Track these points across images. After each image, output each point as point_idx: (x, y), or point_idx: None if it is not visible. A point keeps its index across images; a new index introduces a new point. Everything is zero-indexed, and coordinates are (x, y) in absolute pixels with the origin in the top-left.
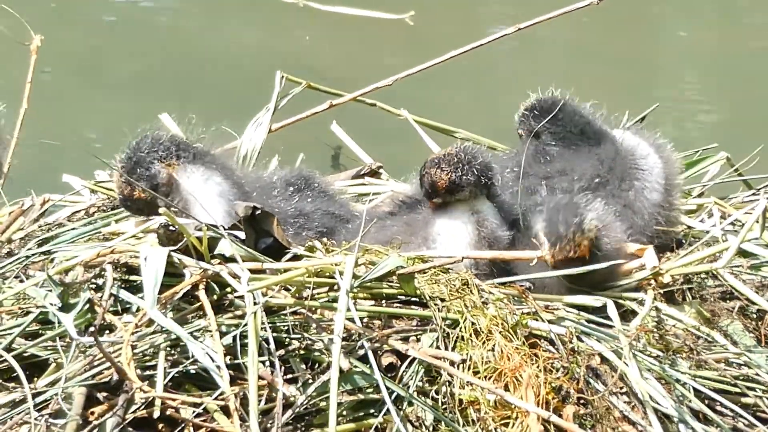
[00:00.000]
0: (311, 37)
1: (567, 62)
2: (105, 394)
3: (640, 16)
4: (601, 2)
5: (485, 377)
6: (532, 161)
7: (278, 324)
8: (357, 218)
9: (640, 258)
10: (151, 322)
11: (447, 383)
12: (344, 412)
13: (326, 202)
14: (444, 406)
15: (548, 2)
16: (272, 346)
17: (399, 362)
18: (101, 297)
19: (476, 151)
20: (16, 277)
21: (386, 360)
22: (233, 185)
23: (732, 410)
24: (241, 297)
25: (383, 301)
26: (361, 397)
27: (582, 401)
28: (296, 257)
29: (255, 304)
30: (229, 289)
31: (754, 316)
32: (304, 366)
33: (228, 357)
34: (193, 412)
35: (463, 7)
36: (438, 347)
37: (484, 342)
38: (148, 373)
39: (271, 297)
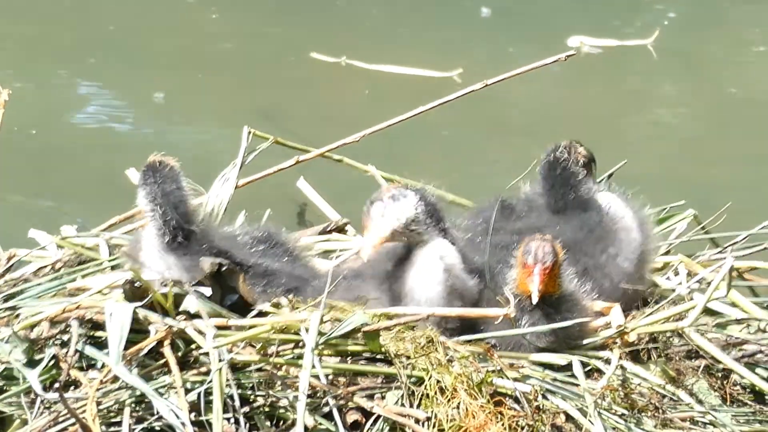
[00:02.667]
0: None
1: (535, 118)
2: None
3: (606, 74)
4: (568, 59)
5: None
6: (500, 217)
7: (243, 381)
8: (321, 277)
9: (606, 316)
10: (116, 378)
11: None
12: None
13: (292, 261)
14: None
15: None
16: (237, 403)
17: (364, 420)
18: (66, 353)
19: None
20: None
21: (351, 417)
22: None
23: None
24: (207, 354)
25: (348, 359)
26: None
27: None
28: (262, 314)
29: (220, 360)
30: (194, 346)
31: (720, 375)
32: (269, 423)
33: (193, 414)
34: None
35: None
36: (403, 405)
37: (449, 400)
38: (113, 429)
39: (236, 354)
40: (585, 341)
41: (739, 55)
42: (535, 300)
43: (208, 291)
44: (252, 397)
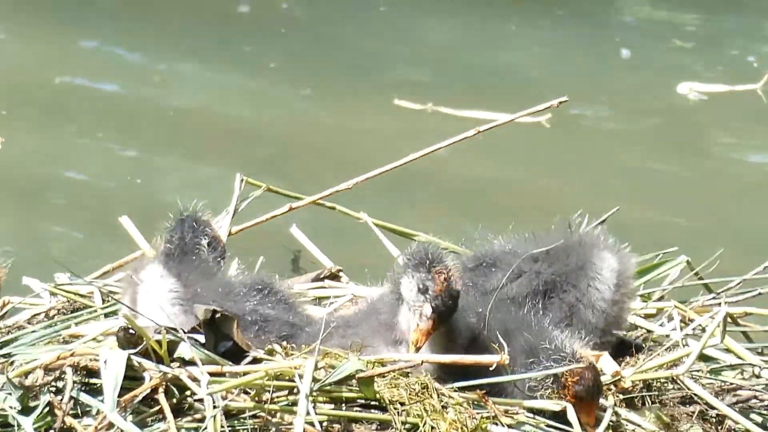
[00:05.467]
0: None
1: (527, 166)
2: None
3: (596, 124)
4: (560, 105)
5: None
6: (480, 272)
7: (238, 427)
8: (315, 324)
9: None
10: (111, 425)
11: None
12: None
13: (285, 308)
14: None
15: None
16: None
17: None
18: (61, 400)
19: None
20: None
21: None
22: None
23: None
24: (201, 400)
25: (343, 405)
26: None
27: None
28: (256, 360)
29: (215, 407)
30: (188, 393)
31: (714, 420)
32: None
33: None
34: None
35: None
36: None
37: None
38: None
39: (230, 400)
40: None
41: None
42: None
43: (201, 338)
44: None
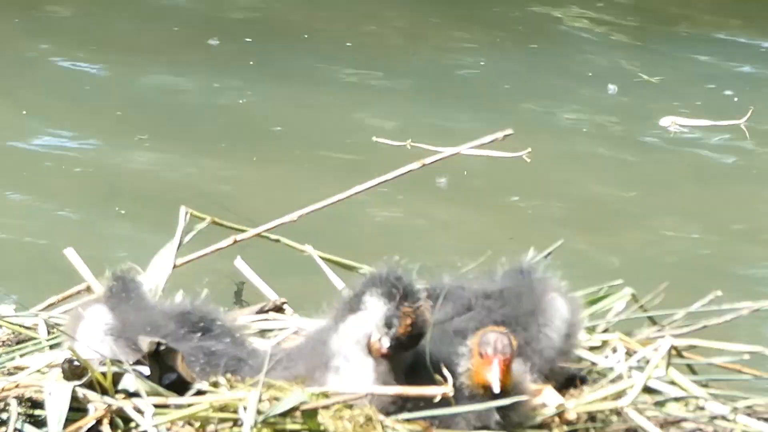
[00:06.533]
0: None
1: (476, 200)
2: None
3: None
4: (505, 138)
5: None
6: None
7: None
8: (259, 356)
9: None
10: None
11: None
12: None
13: (229, 341)
14: None
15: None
16: None
17: None
18: None
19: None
20: None
21: None
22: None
23: None
24: None
25: None
26: None
27: None
28: (200, 392)
29: None
30: (133, 424)
31: None
32: None
33: None
34: None
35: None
36: None
37: None
38: None
39: None
40: (524, 419)
41: None
42: (497, 390)
43: (146, 370)
44: None
